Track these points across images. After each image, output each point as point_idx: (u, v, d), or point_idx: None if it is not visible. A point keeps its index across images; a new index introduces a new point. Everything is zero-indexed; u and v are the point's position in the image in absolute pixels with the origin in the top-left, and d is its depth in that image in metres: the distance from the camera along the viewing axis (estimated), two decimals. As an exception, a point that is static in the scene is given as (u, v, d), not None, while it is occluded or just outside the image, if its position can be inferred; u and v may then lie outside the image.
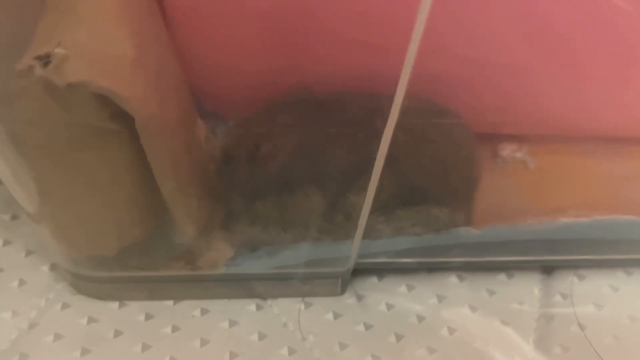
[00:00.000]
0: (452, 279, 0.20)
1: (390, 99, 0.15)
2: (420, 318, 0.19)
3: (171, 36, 0.17)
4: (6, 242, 0.21)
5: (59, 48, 0.14)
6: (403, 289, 0.20)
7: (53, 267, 0.20)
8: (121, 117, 0.15)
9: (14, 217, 0.22)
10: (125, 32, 0.15)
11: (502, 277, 0.21)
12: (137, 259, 0.19)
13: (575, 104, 0.20)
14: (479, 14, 0.16)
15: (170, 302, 0.19)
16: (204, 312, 0.19)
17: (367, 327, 0.19)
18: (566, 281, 0.20)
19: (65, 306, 0.19)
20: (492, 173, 0.21)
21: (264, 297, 0.20)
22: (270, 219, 0.18)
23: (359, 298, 0.20)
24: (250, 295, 0.20)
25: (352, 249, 0.19)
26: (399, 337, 0.19)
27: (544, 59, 0.18)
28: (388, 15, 0.15)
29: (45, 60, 0.14)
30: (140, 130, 0.15)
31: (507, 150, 0.21)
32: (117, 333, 0.18)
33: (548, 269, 0.21)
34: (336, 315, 0.19)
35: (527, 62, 0.18)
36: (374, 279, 0.20)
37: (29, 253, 0.20)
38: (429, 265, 0.20)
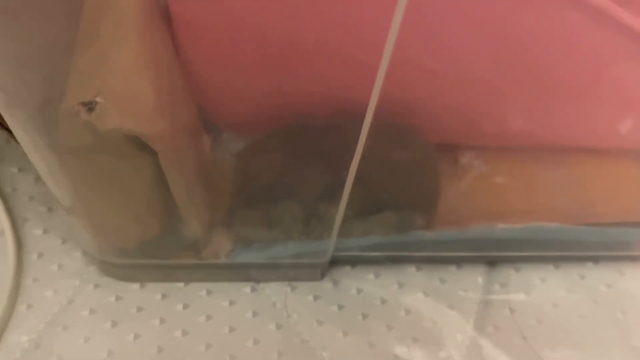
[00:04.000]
0: (411, 269, 0.25)
1: (360, 122, 0.18)
2: (383, 301, 0.24)
3: (181, 62, 0.20)
4: (45, 231, 0.25)
5: (99, 97, 0.18)
6: (371, 276, 0.24)
7: (84, 253, 0.24)
8: (144, 144, 0.19)
9: (50, 210, 0.26)
10: (148, 76, 0.18)
11: (452, 268, 0.25)
12: (154, 249, 0.23)
13: (533, 118, 0.23)
14: (448, 37, 0.18)
15: (181, 284, 0.24)
16: (208, 292, 0.24)
17: (340, 307, 0.23)
18: (505, 273, 0.25)
19: (96, 286, 0.23)
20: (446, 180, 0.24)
21: (257, 281, 0.24)
22: (262, 224, 0.22)
23: (335, 283, 0.24)
24: (246, 279, 0.24)
25: (329, 245, 0.23)
26: (364, 316, 0.23)
27: (508, 80, 0.20)
28: (360, 42, 0.17)
29: (89, 106, 0.18)
30: (160, 156, 0.19)
31: (466, 157, 0.25)
32: (139, 309, 0.23)
33: (492, 262, 0.25)
34: (316, 297, 0.24)
35: (491, 81, 0.20)
36: (347, 268, 0.25)
37: (64, 241, 0.25)
38: (393, 258, 0.25)
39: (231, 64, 0.20)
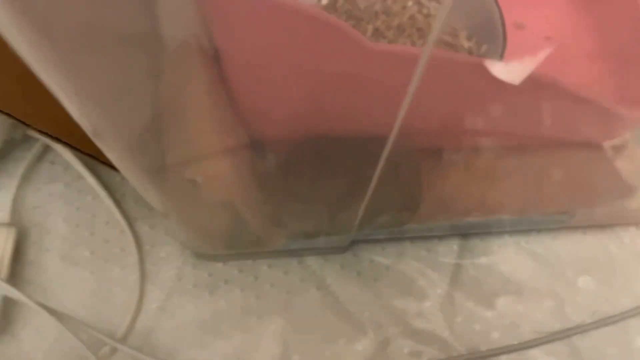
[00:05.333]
0: (407, 243, 0.35)
1: (382, 146, 0.28)
2: (387, 267, 0.35)
3: (230, 97, 0.29)
4: (151, 227, 0.36)
5: (199, 178, 0.27)
6: (379, 250, 0.35)
7: (181, 243, 0.35)
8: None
9: (151, 210, 0.36)
10: (217, 135, 0.28)
11: (435, 240, 0.35)
12: (230, 243, 0.34)
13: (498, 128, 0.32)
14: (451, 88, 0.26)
15: (250, 261, 0.35)
16: (270, 266, 0.35)
17: (359, 273, 0.35)
18: (473, 242, 0.35)
19: (193, 266, 0.35)
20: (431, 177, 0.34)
21: (302, 256, 0.35)
22: (304, 226, 0.32)
23: (355, 255, 0.35)
24: (295, 255, 0.35)
25: (350, 235, 0.33)
26: (375, 279, 0.34)
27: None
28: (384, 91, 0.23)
29: (192, 182, 0.27)
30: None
31: (446, 155, 0.35)
32: (226, 281, 0.34)
33: (464, 235, 0.36)
34: (342, 266, 0.35)
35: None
36: (363, 245, 0.35)
37: (166, 234, 0.36)
38: (394, 237, 0.35)
39: (274, 97, 0.28)
